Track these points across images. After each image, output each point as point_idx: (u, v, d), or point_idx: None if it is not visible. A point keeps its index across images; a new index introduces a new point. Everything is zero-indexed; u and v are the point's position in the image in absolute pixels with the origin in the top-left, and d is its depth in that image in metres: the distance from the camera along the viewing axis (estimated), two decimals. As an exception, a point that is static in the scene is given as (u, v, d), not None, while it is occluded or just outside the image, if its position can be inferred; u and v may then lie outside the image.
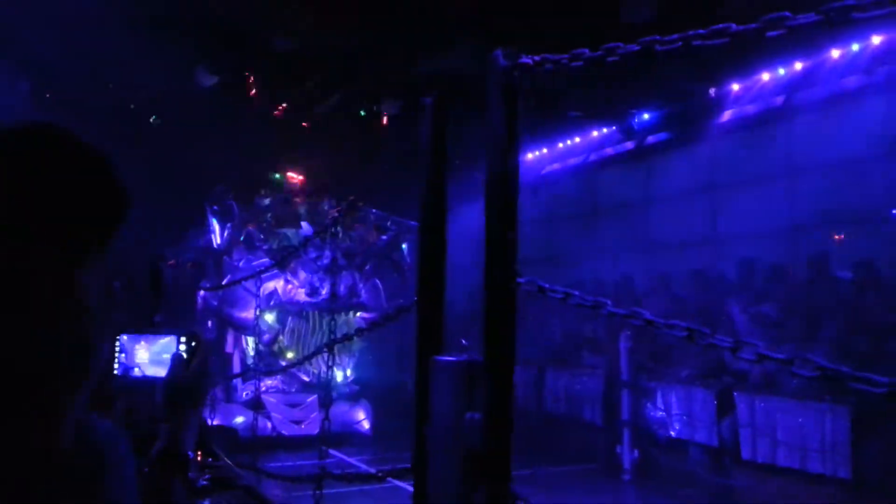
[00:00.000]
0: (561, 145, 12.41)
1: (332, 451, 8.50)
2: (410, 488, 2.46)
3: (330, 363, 3.54)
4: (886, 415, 5.81)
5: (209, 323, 10.50)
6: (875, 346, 6.58)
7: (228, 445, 8.28)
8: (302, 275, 10.48)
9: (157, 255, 6.56)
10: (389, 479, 2.88)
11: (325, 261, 10.26)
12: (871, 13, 1.32)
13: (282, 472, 5.14)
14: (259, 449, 7.59)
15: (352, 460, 8.78)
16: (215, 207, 10.64)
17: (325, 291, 10.28)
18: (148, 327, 5.10)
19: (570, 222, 12.61)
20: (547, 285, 1.92)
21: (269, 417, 9.51)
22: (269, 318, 10.36)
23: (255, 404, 8.57)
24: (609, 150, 12.01)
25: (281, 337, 10.40)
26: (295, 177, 12.22)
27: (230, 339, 10.48)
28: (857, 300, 7.25)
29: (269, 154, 11.62)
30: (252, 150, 11.23)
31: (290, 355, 10.16)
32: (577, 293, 1.84)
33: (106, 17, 7.61)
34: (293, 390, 10.20)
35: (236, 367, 10.20)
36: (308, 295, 10.40)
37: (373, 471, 2.96)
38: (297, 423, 9.65)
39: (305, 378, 10.27)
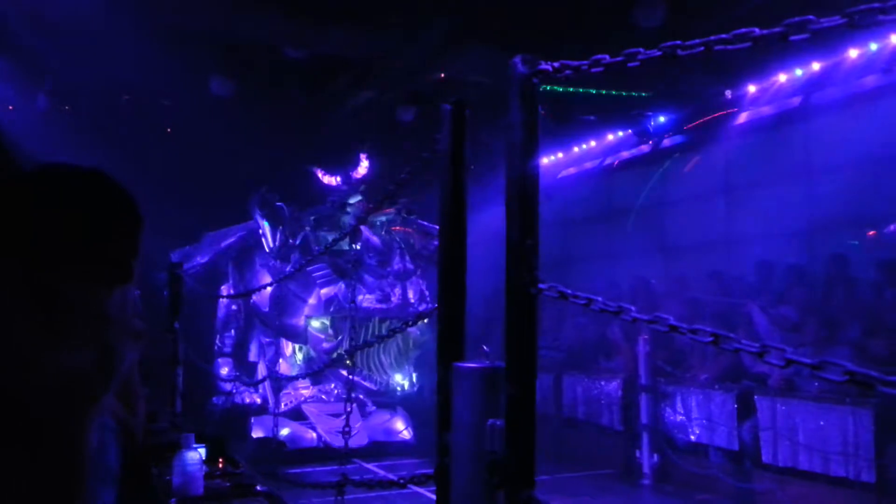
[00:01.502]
0: (576, 149, 12.38)
1: (375, 466, 8.40)
2: (432, 495, 2.46)
3: (351, 374, 3.54)
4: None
5: (232, 330, 10.48)
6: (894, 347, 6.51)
7: (275, 458, 8.26)
8: (369, 280, 10.39)
9: (175, 262, 6.59)
10: (411, 486, 2.89)
11: (397, 266, 10.21)
12: None
13: (304, 479, 5.17)
14: (306, 461, 7.52)
15: (387, 472, 8.67)
16: (265, 210, 10.54)
17: (395, 298, 10.24)
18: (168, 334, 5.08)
19: (586, 226, 12.58)
20: (569, 291, 1.91)
21: (313, 428, 9.42)
22: (325, 324, 10.29)
23: (261, 409, 8.55)
24: (625, 154, 11.98)
25: (341, 347, 10.32)
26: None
27: (254, 347, 10.46)
28: (878, 301, 7.17)
29: (296, 155, 11.58)
30: (280, 151, 11.21)
31: (349, 364, 10.17)
32: (599, 299, 1.83)
33: (123, 28, 7.69)
34: (332, 400, 10.14)
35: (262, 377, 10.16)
36: (379, 301, 10.34)
37: (394, 477, 2.96)
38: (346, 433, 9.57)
39: (372, 387, 10.25)
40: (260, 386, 10.09)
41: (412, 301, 10.39)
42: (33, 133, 8.73)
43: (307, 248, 10.40)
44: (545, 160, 12.27)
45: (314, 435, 9.37)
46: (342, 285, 10.26)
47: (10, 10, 7.52)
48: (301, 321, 10.16)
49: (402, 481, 2.79)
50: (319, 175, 11.31)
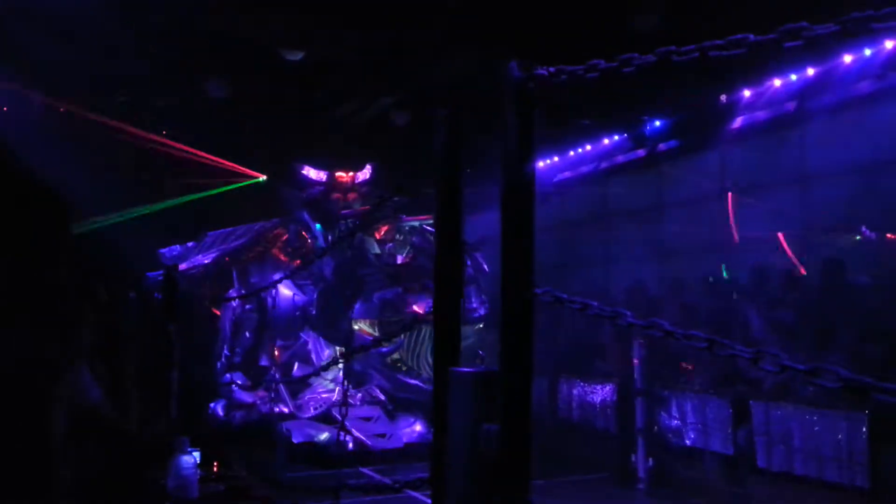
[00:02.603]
0: (572, 153, 12.40)
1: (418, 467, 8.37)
2: (427, 499, 2.46)
3: (348, 372, 3.54)
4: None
5: (246, 333, 10.36)
6: (891, 352, 6.51)
7: (317, 462, 8.27)
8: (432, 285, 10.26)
9: (169, 260, 6.57)
10: (406, 490, 2.88)
11: (470, 271, 10.14)
12: (889, 24, 1.32)
13: (299, 483, 5.14)
14: (347, 464, 7.49)
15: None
16: (315, 213, 10.37)
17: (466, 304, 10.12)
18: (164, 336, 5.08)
19: (582, 230, 12.59)
20: (565, 296, 1.92)
21: (349, 432, 9.32)
22: (372, 327, 10.20)
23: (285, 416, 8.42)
24: (620, 158, 12.00)
25: (402, 349, 10.20)
26: (344, 175, 11.95)
27: (266, 351, 10.37)
28: (876, 306, 7.18)
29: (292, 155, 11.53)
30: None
31: (404, 369, 10.13)
32: (595, 304, 1.84)
33: (119, 29, 7.69)
34: (359, 403, 10.06)
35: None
36: None
37: (388, 482, 2.96)
38: (381, 436, 9.46)
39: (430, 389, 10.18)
40: (273, 391, 10.04)
41: (475, 305, 10.32)
42: (29, 134, 8.72)
43: (362, 249, 10.30)
44: (541, 164, 12.29)
45: (350, 439, 9.25)
46: (400, 290, 10.18)
47: (6, 10, 7.51)
48: (348, 324, 10.13)
49: (396, 486, 2.78)
50: (306, 171, 11.21)
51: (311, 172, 11.46)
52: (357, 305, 10.17)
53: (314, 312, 10.12)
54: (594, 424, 9.13)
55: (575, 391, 9.54)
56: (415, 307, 10.09)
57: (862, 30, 1.31)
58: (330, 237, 10.38)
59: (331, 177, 11.02)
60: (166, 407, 5.01)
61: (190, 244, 11.11)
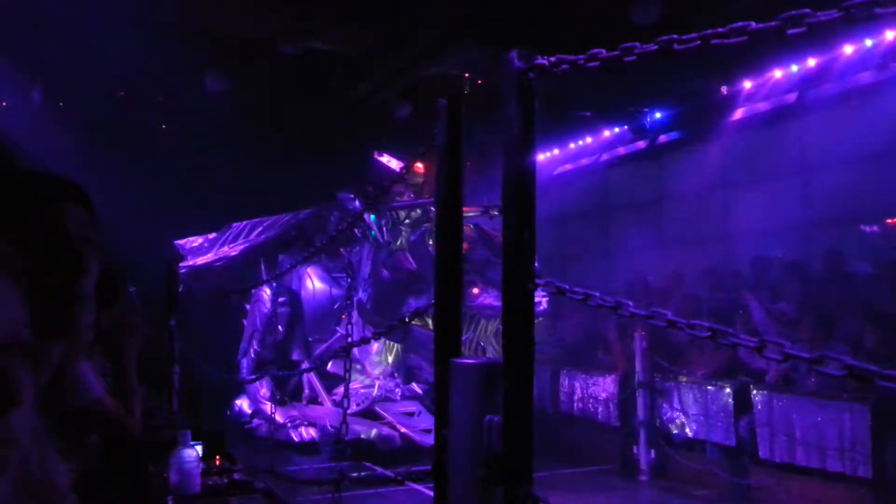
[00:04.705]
0: (573, 146, 12.37)
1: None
2: (429, 492, 2.46)
3: (348, 367, 3.54)
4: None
5: (280, 327, 10.24)
6: (893, 342, 6.51)
7: (369, 459, 8.23)
8: (497, 281, 10.01)
9: (172, 260, 6.53)
10: (408, 482, 2.88)
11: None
12: (891, 9, 1.31)
13: (301, 475, 5.16)
14: (401, 461, 7.55)
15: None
16: (369, 208, 10.12)
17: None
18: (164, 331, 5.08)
19: (583, 222, 12.58)
20: (566, 286, 1.91)
21: (394, 428, 9.19)
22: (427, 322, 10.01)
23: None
24: (621, 150, 11.97)
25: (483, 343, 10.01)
26: (421, 167, 11.34)
27: (297, 349, 10.28)
28: (874, 297, 7.18)
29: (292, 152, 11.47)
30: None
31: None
32: (597, 294, 1.83)
33: (117, 24, 7.67)
34: (398, 398, 9.91)
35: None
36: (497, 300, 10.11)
37: (391, 474, 2.95)
38: (427, 431, 9.14)
39: None
40: (306, 387, 10.02)
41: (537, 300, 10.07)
42: (28, 129, 8.71)
43: (423, 244, 10.05)
44: (541, 156, 12.26)
45: (397, 434, 9.10)
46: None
47: (4, 6, 7.49)
48: (405, 318, 10.02)
49: (399, 478, 2.78)
50: (385, 159, 10.84)
51: (392, 162, 11.08)
52: (412, 300, 10.01)
53: (369, 306, 9.90)
54: (596, 416, 9.13)
55: (576, 383, 9.53)
56: (487, 300, 9.70)
57: (864, 15, 1.30)
58: (385, 228, 10.11)
59: (406, 168, 10.78)
60: (168, 401, 5.02)
61: (212, 235, 10.91)
